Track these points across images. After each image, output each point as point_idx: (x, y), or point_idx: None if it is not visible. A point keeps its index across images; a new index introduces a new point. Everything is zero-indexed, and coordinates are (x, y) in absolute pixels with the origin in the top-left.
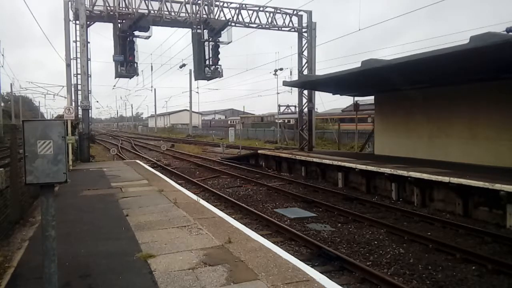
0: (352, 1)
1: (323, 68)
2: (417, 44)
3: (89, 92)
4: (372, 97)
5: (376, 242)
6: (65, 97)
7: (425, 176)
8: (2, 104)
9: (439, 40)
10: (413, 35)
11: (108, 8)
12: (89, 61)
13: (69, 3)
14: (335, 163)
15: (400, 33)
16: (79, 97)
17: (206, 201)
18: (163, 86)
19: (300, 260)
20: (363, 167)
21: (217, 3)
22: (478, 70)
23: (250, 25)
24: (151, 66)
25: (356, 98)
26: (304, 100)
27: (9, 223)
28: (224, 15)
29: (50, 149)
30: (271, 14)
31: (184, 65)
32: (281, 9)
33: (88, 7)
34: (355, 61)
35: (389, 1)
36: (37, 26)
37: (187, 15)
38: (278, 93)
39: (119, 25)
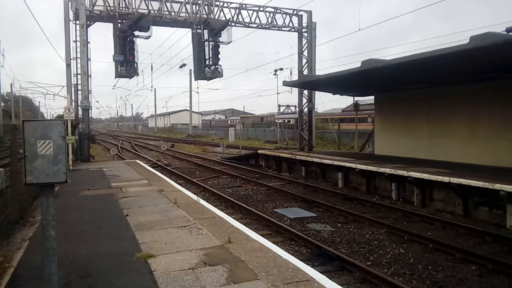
0: None
1: (331, 66)
2: (429, 42)
3: (89, 92)
4: (372, 97)
5: (376, 242)
6: (65, 97)
7: (425, 176)
8: (2, 104)
9: (452, 37)
10: (427, 33)
11: (108, 8)
12: (89, 61)
13: (69, 3)
14: (335, 163)
15: (413, 30)
16: (79, 97)
17: (206, 201)
18: (163, 86)
19: (300, 260)
20: (363, 167)
21: (217, 3)
22: (478, 70)
23: (250, 25)
24: (151, 66)
25: (356, 98)
26: (304, 100)
27: (9, 223)
28: (224, 15)
29: (50, 149)
30: (271, 14)
31: (184, 65)
32: (281, 9)
33: (88, 7)
34: (364, 59)
35: None
36: (44, 26)
37: (187, 15)
38: (278, 93)
39: (119, 25)
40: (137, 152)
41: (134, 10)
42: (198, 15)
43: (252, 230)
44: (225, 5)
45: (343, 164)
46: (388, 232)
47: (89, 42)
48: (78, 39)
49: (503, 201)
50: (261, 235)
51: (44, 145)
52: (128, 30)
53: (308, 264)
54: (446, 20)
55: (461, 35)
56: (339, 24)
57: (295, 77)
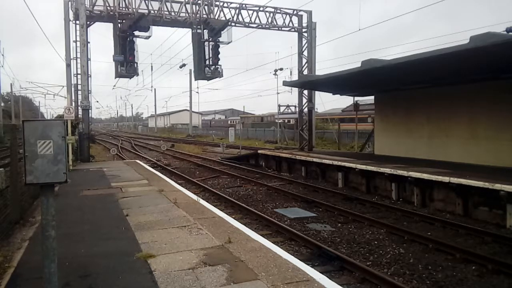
0: None
1: (331, 66)
2: (430, 42)
3: (89, 92)
4: (372, 97)
5: (376, 242)
6: (65, 97)
7: (425, 176)
8: (2, 104)
9: (453, 37)
10: (427, 33)
11: (108, 8)
12: (89, 61)
13: (69, 3)
14: (335, 163)
15: (414, 30)
16: (79, 97)
17: (206, 201)
18: (163, 86)
19: (300, 260)
20: (363, 167)
21: (217, 3)
22: (478, 70)
23: (250, 25)
24: (151, 66)
25: (356, 98)
26: (304, 100)
27: (9, 223)
28: (224, 15)
29: (50, 149)
30: (271, 14)
31: (184, 65)
32: (281, 9)
33: (88, 7)
34: (364, 59)
35: None
36: (45, 26)
37: (187, 15)
38: (278, 93)
39: (119, 25)
40: (137, 152)
41: (134, 10)
42: (198, 15)
43: (252, 230)
44: (225, 5)
45: (343, 164)
46: (388, 232)
47: (89, 42)
48: (78, 39)
49: (503, 201)
50: (261, 235)
51: (44, 145)
52: (128, 30)
53: (308, 264)
54: (447, 20)
55: (461, 35)
56: (340, 24)
57: (295, 77)
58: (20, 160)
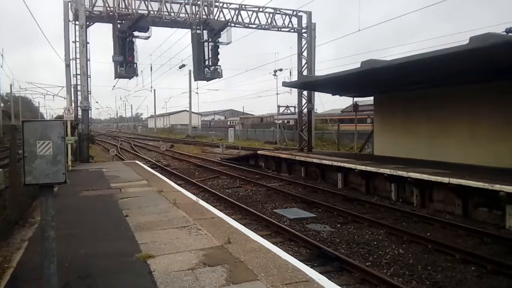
0: None
1: (333, 66)
2: (432, 42)
3: (89, 92)
4: (372, 98)
5: (375, 243)
6: (64, 98)
7: (424, 176)
8: (2, 104)
9: (455, 37)
10: (430, 33)
11: (108, 8)
12: (88, 62)
13: (69, 3)
14: (335, 163)
15: (417, 30)
16: (79, 97)
17: (206, 202)
18: (162, 86)
19: (300, 260)
20: (363, 167)
21: (217, 3)
22: (478, 70)
23: (250, 25)
24: (151, 67)
25: (356, 99)
26: (304, 101)
27: (9, 223)
28: (224, 16)
29: (49, 150)
30: (271, 15)
31: (183, 65)
32: (281, 10)
33: (87, 7)
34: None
35: None
36: (48, 27)
37: (186, 15)
38: (277, 93)
39: (118, 25)
40: (136, 153)
41: (134, 10)
42: (197, 16)
43: (252, 230)
44: (225, 5)
45: (342, 164)
46: (387, 232)
47: (88, 43)
48: (77, 39)
49: (502, 202)
50: (260, 235)
51: (44, 146)
52: (128, 30)
53: (307, 265)
54: (450, 20)
55: (463, 35)
56: (342, 24)
57: (294, 77)
58: (19, 160)
